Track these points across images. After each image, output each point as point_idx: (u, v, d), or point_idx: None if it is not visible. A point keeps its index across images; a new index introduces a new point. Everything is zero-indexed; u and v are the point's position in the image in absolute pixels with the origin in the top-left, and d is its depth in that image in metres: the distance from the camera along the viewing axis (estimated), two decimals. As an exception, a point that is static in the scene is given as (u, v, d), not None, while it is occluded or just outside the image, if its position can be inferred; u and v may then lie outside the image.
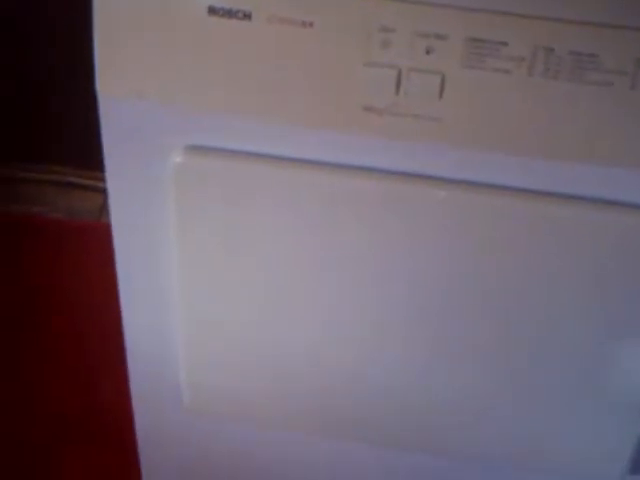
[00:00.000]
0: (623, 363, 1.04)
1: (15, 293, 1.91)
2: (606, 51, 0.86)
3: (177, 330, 1.12)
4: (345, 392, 1.15)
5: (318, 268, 1.03)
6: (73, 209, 2.11)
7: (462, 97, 0.89)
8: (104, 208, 1.99)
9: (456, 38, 0.87)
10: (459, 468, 1.25)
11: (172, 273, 1.07)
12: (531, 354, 1.06)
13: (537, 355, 1.06)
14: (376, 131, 0.92)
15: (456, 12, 0.86)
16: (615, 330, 1.03)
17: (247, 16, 0.89)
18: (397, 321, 1.07)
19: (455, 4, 0.86)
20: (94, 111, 0.98)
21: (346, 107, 0.91)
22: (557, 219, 0.97)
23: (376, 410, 1.16)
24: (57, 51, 1.96)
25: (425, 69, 0.88)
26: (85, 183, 2.10)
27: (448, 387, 1.12)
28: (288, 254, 1.03)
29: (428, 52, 0.88)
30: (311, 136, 0.95)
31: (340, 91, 0.91)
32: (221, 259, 1.05)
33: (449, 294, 1.04)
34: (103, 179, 1.05)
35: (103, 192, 1.06)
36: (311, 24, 0.88)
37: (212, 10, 0.89)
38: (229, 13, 0.89)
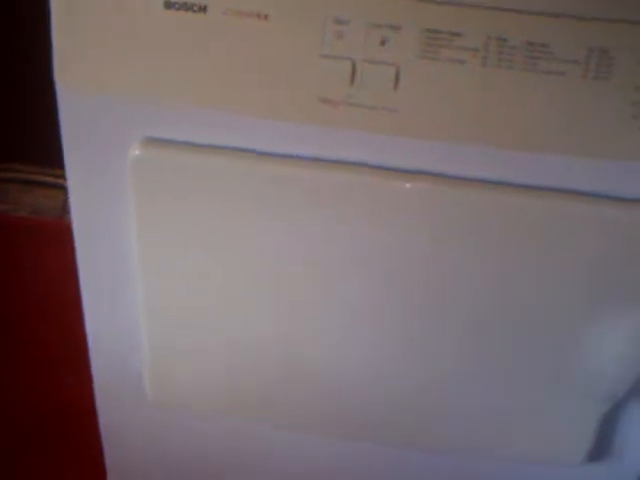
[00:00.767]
0: (582, 350, 1.05)
1: (-21, 291, 1.90)
2: (558, 41, 0.87)
3: (140, 323, 1.12)
4: (310, 383, 1.15)
5: (278, 259, 1.04)
6: (37, 207, 2.10)
7: (417, 88, 0.90)
8: (67, 205, 1.98)
9: (410, 29, 0.87)
10: (426, 460, 1.25)
11: (134, 266, 1.07)
12: (496, 342, 1.07)
13: (502, 343, 1.07)
14: (332, 122, 0.93)
15: (410, 3, 0.87)
16: (576, 318, 1.04)
17: (202, 9, 0.89)
18: (362, 311, 1.07)
19: (409, -5, 0.87)
20: (56, 108, 0.98)
21: (302, 99, 0.92)
22: (516, 209, 0.98)
23: (340, 402, 1.17)
24: (16, 48, 1.95)
25: (380, 60, 0.89)
26: (48, 181, 2.10)
27: (413, 378, 1.12)
28: (248, 245, 1.03)
29: (383, 43, 0.88)
30: (267, 128, 0.95)
31: (296, 83, 0.91)
32: (182, 251, 1.05)
33: (418, 284, 1.04)
34: (65, 177, 1.05)
35: (66, 189, 1.06)
36: (266, 16, 0.88)
37: (168, 4, 0.89)
38: (185, 6, 0.89)
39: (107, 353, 1.19)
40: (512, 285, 1.03)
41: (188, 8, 0.89)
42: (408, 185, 0.97)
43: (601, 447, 1.16)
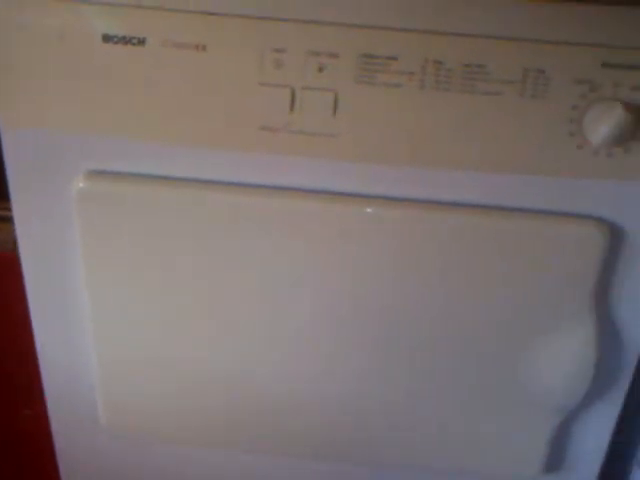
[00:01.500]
0: (531, 365, 1.06)
1: None
2: (495, 62, 0.89)
3: (91, 350, 1.11)
4: (258, 407, 1.15)
5: (223, 286, 1.04)
6: (-13, 241, 2.08)
7: (356, 113, 0.91)
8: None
9: (347, 55, 0.88)
10: (379, 476, 1.26)
11: (83, 294, 1.07)
12: (445, 360, 1.08)
13: (453, 359, 1.08)
14: (273, 149, 0.93)
15: (346, 30, 0.88)
16: (523, 333, 1.05)
17: (141, 42, 0.89)
18: (309, 335, 1.08)
19: (345, 22, 0.87)
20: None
21: (243, 127, 0.92)
22: (462, 228, 0.99)
23: (289, 423, 1.17)
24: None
25: (318, 87, 0.90)
26: (-2, 214, 2.07)
27: (366, 394, 1.12)
28: (192, 273, 1.03)
29: (321, 70, 0.89)
30: (209, 157, 0.95)
31: (236, 111, 0.92)
32: (128, 280, 1.05)
33: (364, 303, 1.05)
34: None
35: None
36: (204, 47, 0.89)
37: (106, 37, 0.90)
38: (123, 39, 0.89)
39: (60, 381, 1.18)
40: (455, 301, 1.03)
41: (127, 41, 0.90)
42: (351, 209, 0.97)
43: (556, 459, 1.16)
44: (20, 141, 0.98)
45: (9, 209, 1.92)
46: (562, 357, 1.04)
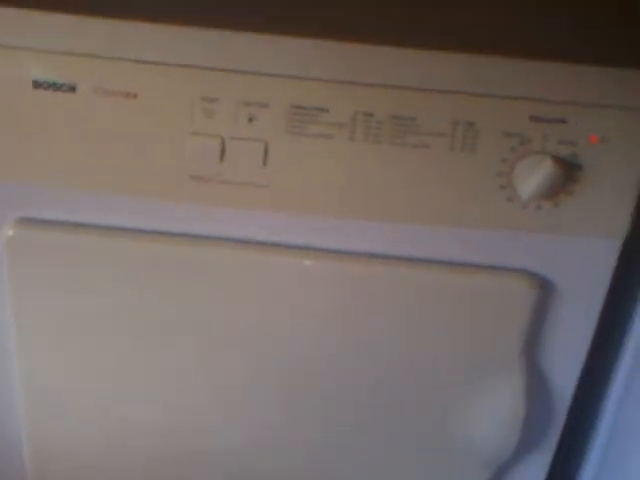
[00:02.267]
0: (462, 418, 1.06)
1: None
2: (424, 114, 0.89)
3: (19, 404, 1.10)
4: (178, 458, 1.14)
5: (154, 336, 1.03)
6: None
7: (286, 163, 0.91)
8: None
9: (278, 106, 0.89)
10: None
11: (11, 345, 1.05)
12: (373, 411, 1.08)
13: (381, 411, 1.08)
14: (203, 199, 0.93)
15: (277, 80, 0.88)
16: (453, 385, 1.05)
17: (72, 89, 0.89)
18: (242, 388, 1.07)
19: (275, 72, 0.88)
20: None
21: (173, 176, 0.92)
22: (391, 280, 0.99)
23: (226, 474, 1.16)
24: None
25: (248, 137, 0.90)
26: None
27: (285, 449, 1.12)
28: (123, 323, 1.02)
29: (251, 120, 0.89)
30: (140, 206, 0.95)
31: (167, 161, 0.91)
32: (57, 330, 1.04)
33: (293, 353, 1.04)
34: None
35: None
36: (135, 95, 0.89)
37: (37, 84, 0.89)
38: (54, 86, 0.89)
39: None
40: (384, 353, 1.04)
41: (57, 88, 0.89)
42: (281, 259, 0.97)
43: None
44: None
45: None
46: (491, 409, 1.04)
